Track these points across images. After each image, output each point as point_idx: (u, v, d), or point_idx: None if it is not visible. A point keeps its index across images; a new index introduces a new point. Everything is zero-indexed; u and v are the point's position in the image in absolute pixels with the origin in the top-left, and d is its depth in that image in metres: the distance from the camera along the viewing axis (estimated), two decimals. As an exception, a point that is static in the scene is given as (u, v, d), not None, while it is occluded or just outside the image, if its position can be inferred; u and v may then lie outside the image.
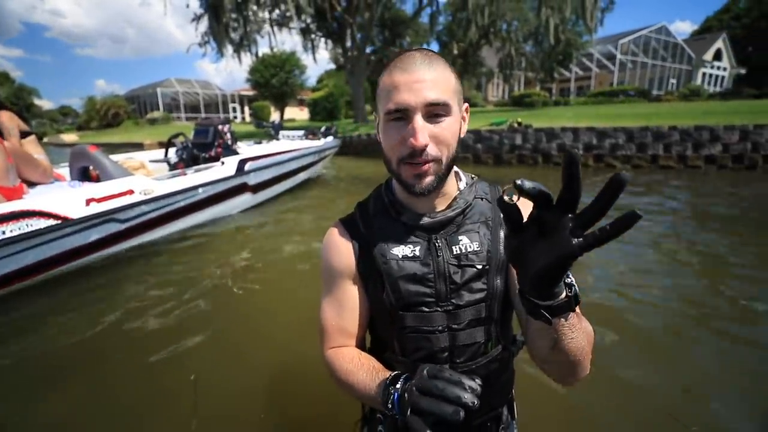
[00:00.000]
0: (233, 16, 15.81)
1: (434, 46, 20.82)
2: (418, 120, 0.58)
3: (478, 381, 0.50)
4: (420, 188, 0.62)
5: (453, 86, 0.61)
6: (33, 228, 2.53)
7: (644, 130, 8.41)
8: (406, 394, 0.53)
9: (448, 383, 0.49)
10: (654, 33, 25.05)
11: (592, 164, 8.55)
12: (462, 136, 0.66)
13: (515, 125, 10.02)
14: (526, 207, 0.55)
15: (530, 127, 9.64)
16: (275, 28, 16.84)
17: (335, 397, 0.97)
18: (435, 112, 0.59)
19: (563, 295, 0.49)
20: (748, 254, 3.20)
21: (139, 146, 16.70)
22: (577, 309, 0.55)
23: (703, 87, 22.53)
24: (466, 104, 0.67)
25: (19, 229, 2.47)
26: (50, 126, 34.15)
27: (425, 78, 0.58)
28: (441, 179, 0.63)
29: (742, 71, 28.20)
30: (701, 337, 2.06)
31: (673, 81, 26.70)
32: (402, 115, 0.59)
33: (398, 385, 0.56)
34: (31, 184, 3.07)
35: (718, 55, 27.99)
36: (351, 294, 0.73)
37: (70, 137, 26.42)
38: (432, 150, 0.60)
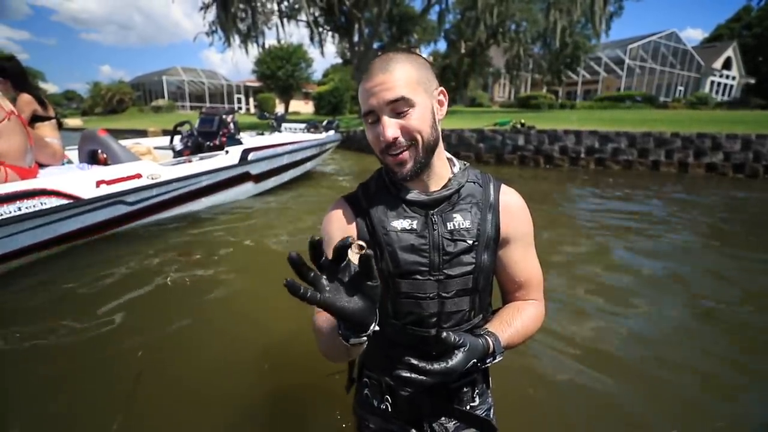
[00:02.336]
0: (241, 6, 15.84)
1: (442, 44, 20.80)
2: (385, 119, 0.66)
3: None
4: (402, 174, 0.70)
5: (413, 78, 0.67)
6: (47, 206, 2.65)
7: (646, 135, 8.44)
8: None
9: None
10: (664, 39, 24.96)
11: (593, 167, 8.61)
12: (440, 118, 0.73)
13: (518, 126, 10.06)
14: None
15: (533, 128, 9.68)
16: (283, 20, 16.87)
17: (324, 366, 1.05)
18: (398, 108, 0.66)
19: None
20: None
21: (142, 133, 16.78)
22: (504, 339, 0.71)
23: (711, 95, 22.48)
24: (441, 88, 0.73)
25: (34, 206, 2.58)
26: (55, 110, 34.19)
27: (381, 81, 0.65)
28: (421, 164, 0.70)
29: (752, 81, 28.07)
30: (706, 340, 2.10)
31: (681, 88, 26.63)
32: (374, 117, 0.68)
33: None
34: (42, 165, 3.18)
35: (727, 64, 27.87)
36: None
37: (74, 122, 26.47)
38: (403, 140, 0.68)
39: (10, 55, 3.14)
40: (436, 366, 0.60)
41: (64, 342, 1.97)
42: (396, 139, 0.67)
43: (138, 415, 1.52)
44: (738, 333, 2.16)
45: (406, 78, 0.66)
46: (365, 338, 0.57)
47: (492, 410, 0.90)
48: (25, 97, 3.11)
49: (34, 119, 3.21)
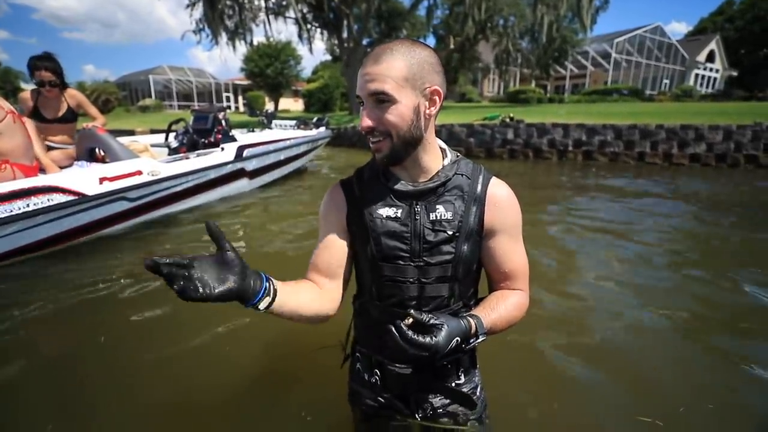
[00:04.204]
0: (228, 2, 15.73)
1: (431, 40, 20.84)
2: (366, 107, 0.72)
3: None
4: (378, 159, 0.76)
5: (400, 75, 0.68)
6: (53, 202, 2.71)
7: (632, 127, 8.67)
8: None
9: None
10: (649, 33, 25.34)
11: (581, 160, 8.82)
12: (428, 116, 0.74)
13: (507, 120, 10.23)
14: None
15: (522, 122, 9.86)
16: (271, 17, 16.79)
17: (322, 339, 1.12)
18: (379, 99, 0.70)
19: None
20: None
21: (130, 133, 16.56)
22: (488, 322, 0.75)
23: (696, 88, 22.92)
24: (434, 87, 0.72)
25: (41, 203, 2.65)
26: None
27: (370, 71, 0.69)
28: (397, 155, 0.74)
29: (734, 73, 28.67)
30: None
31: (667, 81, 27.08)
32: (361, 101, 0.73)
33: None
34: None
35: (711, 57, 28.41)
36: (337, 243, 0.85)
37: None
38: (379, 131, 0.72)
39: (46, 53, 3.11)
40: (420, 338, 0.63)
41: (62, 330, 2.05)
42: (371, 128, 0.71)
43: (139, 401, 1.58)
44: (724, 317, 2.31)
45: (394, 73, 0.68)
46: (264, 306, 0.66)
47: (479, 388, 0.94)
48: (74, 93, 3.39)
49: (70, 118, 3.41)
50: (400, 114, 0.70)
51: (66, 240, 2.99)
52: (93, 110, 3.58)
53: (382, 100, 0.69)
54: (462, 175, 0.81)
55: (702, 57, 27.59)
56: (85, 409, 1.53)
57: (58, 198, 2.74)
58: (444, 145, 0.84)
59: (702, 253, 3.30)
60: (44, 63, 3.06)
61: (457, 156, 0.84)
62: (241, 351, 1.90)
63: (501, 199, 0.82)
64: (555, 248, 3.29)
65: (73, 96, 3.36)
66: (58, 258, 2.89)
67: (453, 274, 0.80)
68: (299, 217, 4.22)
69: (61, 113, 3.33)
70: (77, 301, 2.34)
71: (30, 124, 2.94)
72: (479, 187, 0.80)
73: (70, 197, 2.82)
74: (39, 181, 2.69)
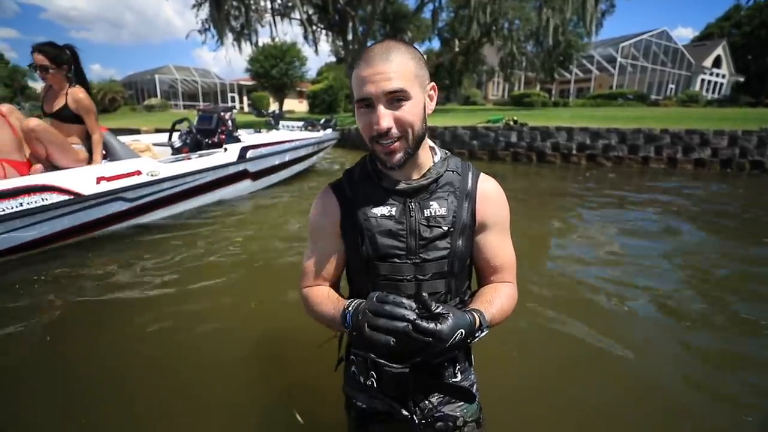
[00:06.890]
0: (234, 3, 15.78)
1: (436, 43, 20.84)
2: (381, 108, 0.69)
3: (421, 298, 0.66)
4: (391, 163, 0.74)
5: (411, 72, 0.70)
6: (48, 202, 2.70)
7: (636, 132, 8.60)
8: (359, 315, 0.68)
9: (394, 305, 0.63)
10: (655, 37, 25.20)
11: (584, 164, 8.75)
12: (429, 113, 0.77)
13: (511, 123, 10.18)
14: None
15: (526, 125, 9.81)
16: (276, 18, 16.83)
17: (316, 345, 1.11)
18: (395, 98, 0.69)
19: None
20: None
21: (135, 132, 16.66)
22: (489, 315, 0.75)
23: (702, 93, 22.75)
24: (432, 83, 0.76)
25: (35, 202, 2.63)
26: (45, 109, 33.67)
27: (383, 70, 0.67)
28: (409, 154, 0.74)
29: (741, 79, 28.44)
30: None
31: (672, 86, 26.89)
32: (368, 103, 0.70)
33: (350, 308, 0.74)
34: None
35: (717, 62, 28.20)
36: (330, 247, 0.86)
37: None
38: (396, 131, 0.71)
39: (50, 41, 2.81)
40: (424, 323, 0.62)
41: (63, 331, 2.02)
42: (389, 129, 0.70)
43: (139, 414, 1.56)
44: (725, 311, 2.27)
45: (406, 70, 0.69)
46: None
47: (475, 387, 0.93)
48: (78, 92, 2.92)
49: (66, 117, 2.97)
50: (414, 110, 0.71)
51: (61, 239, 2.98)
52: (91, 120, 3.06)
53: (400, 98, 0.69)
54: (452, 171, 0.82)
55: (708, 62, 27.40)
56: (82, 408, 1.52)
57: (54, 197, 2.73)
58: (431, 143, 0.85)
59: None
60: (39, 46, 2.75)
61: (446, 153, 0.85)
62: (234, 349, 1.88)
63: (490, 194, 0.84)
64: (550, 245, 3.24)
65: (74, 96, 2.95)
66: (54, 256, 2.88)
67: (449, 269, 0.80)
68: (302, 217, 4.19)
69: (56, 108, 2.94)
70: (74, 302, 2.32)
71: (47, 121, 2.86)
72: (470, 183, 0.82)
73: (66, 197, 2.80)
74: (34, 179, 2.67)
